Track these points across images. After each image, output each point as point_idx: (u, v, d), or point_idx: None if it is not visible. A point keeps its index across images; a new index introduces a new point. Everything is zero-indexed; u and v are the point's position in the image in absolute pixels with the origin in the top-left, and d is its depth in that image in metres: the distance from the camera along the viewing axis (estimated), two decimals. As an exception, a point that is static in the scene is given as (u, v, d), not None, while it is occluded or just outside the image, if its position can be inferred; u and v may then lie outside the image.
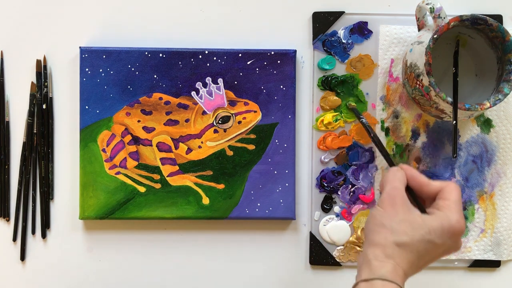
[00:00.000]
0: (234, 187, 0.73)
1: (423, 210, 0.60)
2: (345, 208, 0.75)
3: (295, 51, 0.73)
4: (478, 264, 0.76)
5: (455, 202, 0.58)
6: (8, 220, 0.74)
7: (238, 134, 0.73)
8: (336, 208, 0.75)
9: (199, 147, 0.73)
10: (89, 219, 0.73)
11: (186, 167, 0.73)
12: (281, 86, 0.73)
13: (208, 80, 0.73)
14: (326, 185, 0.75)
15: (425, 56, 0.65)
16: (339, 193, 0.75)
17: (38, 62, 0.74)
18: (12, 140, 0.75)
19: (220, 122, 0.73)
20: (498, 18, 0.75)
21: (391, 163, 0.64)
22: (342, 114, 0.75)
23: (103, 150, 0.73)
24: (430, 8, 0.67)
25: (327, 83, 0.75)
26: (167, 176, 0.73)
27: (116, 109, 0.73)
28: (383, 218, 0.58)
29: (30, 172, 0.74)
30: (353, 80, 0.75)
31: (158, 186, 0.73)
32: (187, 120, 0.73)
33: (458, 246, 0.59)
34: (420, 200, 0.62)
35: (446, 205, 0.58)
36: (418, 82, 0.67)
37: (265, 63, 0.73)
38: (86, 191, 0.72)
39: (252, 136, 0.74)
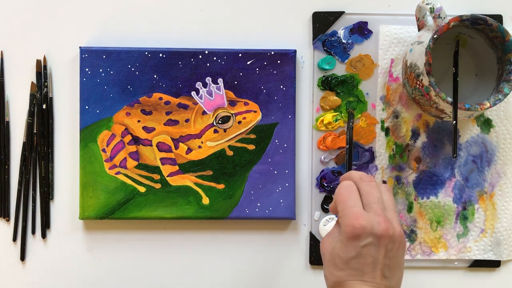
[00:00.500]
0: (234, 187, 0.73)
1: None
2: (345, 208, 0.75)
3: (295, 51, 0.73)
4: (478, 264, 0.76)
5: (339, 207, 0.58)
6: (8, 220, 0.74)
7: (238, 134, 0.73)
8: (336, 208, 0.75)
9: (199, 147, 0.73)
10: (89, 219, 0.73)
11: (186, 167, 0.73)
12: (281, 86, 0.73)
13: (208, 80, 0.73)
14: (326, 185, 0.75)
15: (425, 56, 0.65)
16: (339, 193, 0.75)
17: (38, 62, 0.74)
18: (12, 140, 0.75)
19: (220, 122, 0.73)
20: (498, 18, 0.75)
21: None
22: (342, 114, 0.75)
23: (103, 150, 0.73)
24: (430, 8, 0.67)
25: (327, 83, 0.75)
26: (167, 176, 0.73)
27: (116, 109, 0.73)
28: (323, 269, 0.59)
29: (30, 172, 0.74)
30: (353, 80, 0.75)
31: (158, 186, 0.73)
32: (187, 120, 0.73)
33: (380, 236, 0.56)
34: None
35: (339, 218, 0.58)
36: (418, 82, 0.67)
37: (265, 63, 0.73)
38: (86, 191, 0.72)
39: (252, 136, 0.74)
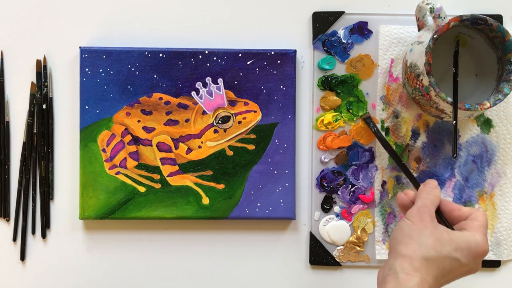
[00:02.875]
0: (234, 187, 0.73)
1: (451, 228, 0.61)
2: (345, 208, 0.75)
3: (295, 51, 0.73)
4: (478, 264, 0.76)
5: (483, 225, 0.59)
6: (8, 220, 0.74)
7: (238, 134, 0.73)
8: (336, 208, 0.75)
9: (199, 147, 0.73)
10: (89, 219, 0.73)
11: (186, 167, 0.73)
12: (281, 86, 0.73)
13: (208, 80, 0.73)
14: (326, 185, 0.75)
15: (425, 56, 0.65)
16: (339, 193, 0.75)
17: (38, 62, 0.74)
18: (12, 140, 0.75)
19: (220, 122, 0.73)
20: (498, 18, 0.75)
21: (415, 184, 0.67)
22: (342, 114, 0.75)
23: (103, 150, 0.73)
24: (430, 8, 0.67)
25: (327, 83, 0.75)
26: (167, 176, 0.73)
27: (116, 109, 0.73)
28: (412, 231, 0.58)
29: (30, 172, 0.74)
30: (353, 80, 0.75)
31: (158, 186, 0.73)
32: (187, 120, 0.73)
33: (478, 267, 0.60)
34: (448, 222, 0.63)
35: (475, 226, 0.59)
36: (418, 82, 0.67)
37: (265, 63, 0.73)
38: (86, 191, 0.72)
39: (252, 136, 0.74)
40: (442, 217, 0.62)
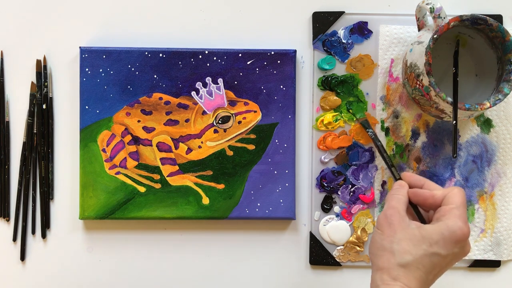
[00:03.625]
0: (234, 187, 0.73)
1: (423, 222, 0.60)
2: (345, 208, 0.75)
3: (295, 51, 0.73)
4: (478, 264, 0.76)
5: (458, 207, 0.58)
6: (8, 220, 0.74)
7: (238, 134, 0.73)
8: (336, 208, 0.75)
9: (199, 147, 0.73)
10: (89, 219, 0.73)
11: (186, 167, 0.73)
12: (281, 86, 0.73)
13: (208, 80, 0.73)
14: (326, 185, 0.75)
15: (425, 56, 0.65)
16: (339, 193, 0.75)
17: (38, 62, 0.74)
18: (12, 140, 0.75)
19: (220, 122, 0.73)
20: (498, 18, 0.75)
21: (394, 177, 0.65)
22: (342, 114, 0.75)
23: (103, 150, 0.73)
24: (430, 8, 0.67)
25: (327, 83, 0.75)
26: (167, 176, 0.73)
27: (116, 109, 0.73)
28: (383, 241, 0.58)
29: (30, 172, 0.74)
30: (353, 80, 0.75)
31: (158, 186, 0.73)
32: (187, 120, 0.73)
33: (465, 251, 0.58)
34: (426, 212, 0.62)
35: (447, 212, 0.58)
36: (418, 82, 0.67)
37: (265, 63, 0.73)
38: (86, 191, 0.72)
39: (252, 136, 0.74)
40: (417, 210, 0.61)
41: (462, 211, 0.58)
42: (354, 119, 0.74)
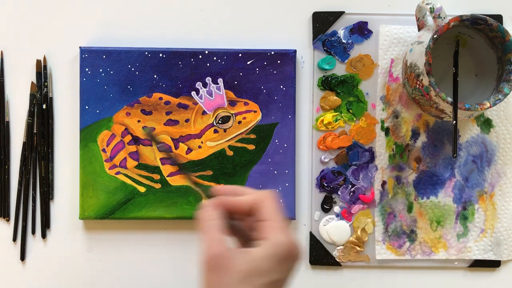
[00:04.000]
0: (234, 187, 0.73)
1: (249, 238, 0.52)
2: (345, 208, 0.75)
3: (295, 51, 0.73)
4: (478, 264, 0.76)
5: (273, 219, 0.49)
6: (8, 220, 0.74)
7: (238, 134, 0.73)
8: (336, 208, 0.75)
9: (199, 147, 0.73)
10: (89, 219, 0.73)
11: (186, 167, 0.73)
12: (281, 86, 0.73)
13: (208, 80, 0.73)
14: (326, 185, 0.75)
15: (425, 56, 0.65)
16: (339, 193, 0.75)
17: (38, 62, 0.74)
18: (12, 140, 0.74)
19: (220, 122, 0.73)
20: (498, 18, 0.75)
21: (204, 196, 0.53)
22: (342, 114, 0.75)
23: (103, 150, 0.73)
24: (430, 8, 0.67)
25: (327, 83, 0.75)
26: (167, 176, 0.73)
27: (116, 109, 0.73)
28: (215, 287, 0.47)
29: (30, 172, 0.74)
30: (353, 80, 0.75)
31: (158, 186, 0.73)
32: (187, 120, 0.73)
33: (299, 258, 0.50)
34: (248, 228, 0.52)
35: (266, 230, 0.49)
36: (418, 82, 0.67)
37: (265, 63, 0.73)
38: (86, 191, 0.72)
39: (252, 136, 0.74)
40: (238, 229, 0.52)
41: (280, 222, 0.49)
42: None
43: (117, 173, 0.73)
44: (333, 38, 0.75)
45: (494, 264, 0.76)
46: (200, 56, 0.73)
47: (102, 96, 0.73)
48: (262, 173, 0.73)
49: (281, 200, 0.73)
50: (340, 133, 0.75)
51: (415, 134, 0.75)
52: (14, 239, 0.74)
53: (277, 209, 0.50)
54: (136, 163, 0.73)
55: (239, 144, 0.74)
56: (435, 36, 0.65)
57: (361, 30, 0.75)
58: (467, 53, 0.73)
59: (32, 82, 0.74)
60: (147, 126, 0.72)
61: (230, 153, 0.74)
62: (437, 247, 0.75)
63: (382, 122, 0.75)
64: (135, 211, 0.73)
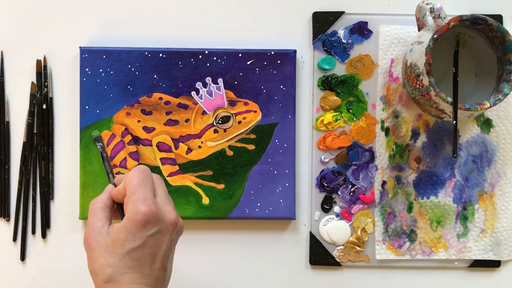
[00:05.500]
0: (234, 187, 0.73)
1: None
2: (345, 208, 0.75)
3: (295, 51, 0.73)
4: (478, 264, 0.76)
5: (133, 192, 0.53)
6: (8, 220, 0.74)
7: (238, 134, 0.73)
8: (336, 208, 0.75)
9: (199, 147, 0.73)
10: (89, 219, 0.73)
11: (186, 167, 0.73)
12: (281, 86, 0.73)
13: (208, 80, 0.73)
14: (326, 185, 0.75)
15: (425, 56, 0.65)
16: (339, 193, 0.75)
17: (38, 62, 0.74)
18: (12, 140, 0.75)
19: (220, 122, 0.73)
20: (498, 18, 0.75)
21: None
22: (342, 114, 0.75)
23: (103, 150, 0.73)
24: (430, 8, 0.67)
25: (327, 83, 0.75)
26: (167, 176, 0.73)
27: (116, 109, 0.73)
28: (89, 266, 0.54)
29: (30, 172, 0.74)
30: (353, 80, 0.75)
31: (158, 186, 0.73)
32: (187, 120, 0.73)
33: (169, 222, 0.54)
34: None
35: (126, 203, 0.53)
36: (418, 82, 0.67)
37: (265, 63, 0.73)
38: (86, 191, 0.72)
39: (252, 136, 0.74)
40: (121, 211, 0.56)
41: (139, 193, 0.53)
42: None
43: (117, 173, 0.73)
44: (333, 38, 0.75)
45: (494, 264, 0.76)
46: (200, 56, 0.73)
47: (102, 96, 0.73)
48: (262, 173, 0.73)
49: (281, 200, 0.73)
50: (340, 133, 0.75)
51: (415, 134, 0.75)
52: (14, 239, 0.74)
53: (138, 181, 0.54)
54: (136, 163, 0.73)
55: (239, 144, 0.74)
56: (435, 36, 0.65)
57: (361, 30, 0.75)
58: (467, 53, 0.73)
59: (32, 82, 0.74)
60: (97, 134, 0.71)
61: (230, 153, 0.74)
62: (437, 247, 0.75)
63: (382, 122, 0.75)
64: (135, 211, 0.73)
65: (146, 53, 0.73)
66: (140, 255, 0.52)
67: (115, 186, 0.58)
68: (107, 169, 0.61)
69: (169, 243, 0.54)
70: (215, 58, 0.73)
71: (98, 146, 0.64)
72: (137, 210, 0.52)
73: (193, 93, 0.73)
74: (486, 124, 0.75)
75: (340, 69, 0.75)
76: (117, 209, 0.57)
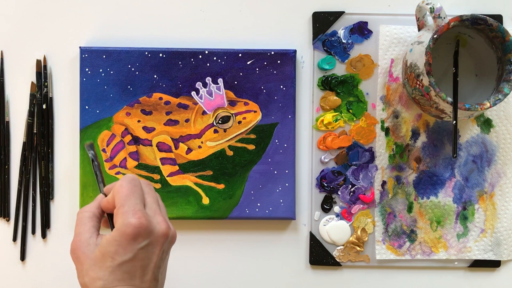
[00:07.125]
0: (234, 187, 0.73)
1: None
2: (345, 208, 0.75)
3: (295, 51, 0.73)
4: (478, 264, 0.76)
5: (122, 204, 0.52)
6: (8, 220, 0.74)
7: (238, 134, 0.73)
8: (336, 208, 0.75)
9: (199, 147, 0.73)
10: (89, 219, 0.73)
11: (186, 167, 0.73)
12: (281, 86, 0.73)
13: (208, 80, 0.73)
14: (326, 185, 0.75)
15: (425, 56, 0.65)
16: (339, 193, 0.75)
17: (38, 62, 0.74)
18: (12, 140, 0.75)
19: (220, 122, 0.73)
20: (498, 18, 0.75)
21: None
22: (342, 114, 0.75)
23: (103, 150, 0.73)
24: (430, 8, 0.67)
25: (327, 83, 0.75)
26: (167, 176, 0.73)
27: (116, 109, 0.73)
28: (78, 279, 0.53)
29: (30, 172, 0.74)
30: (353, 80, 0.75)
31: (158, 186, 0.73)
32: (187, 120, 0.73)
33: (160, 233, 0.53)
34: None
35: (116, 216, 0.52)
36: (418, 82, 0.67)
37: (265, 63, 0.73)
38: (86, 191, 0.72)
39: (252, 136, 0.74)
40: (110, 222, 0.56)
41: (128, 205, 0.52)
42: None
43: (117, 173, 0.73)
44: (333, 38, 0.75)
45: (494, 264, 0.76)
46: (200, 56, 0.73)
47: (102, 96, 0.73)
48: (262, 173, 0.73)
49: (281, 200, 0.73)
50: (340, 133, 0.75)
51: (415, 134, 0.75)
52: (14, 239, 0.74)
53: (127, 192, 0.53)
54: (136, 163, 0.73)
55: (239, 144, 0.74)
56: (435, 36, 0.65)
57: (361, 30, 0.75)
58: (467, 53, 0.73)
59: (32, 82, 0.74)
60: (89, 143, 0.71)
61: (230, 153, 0.74)
62: (437, 247, 0.75)
63: (382, 122, 0.75)
64: (135, 211, 0.73)
65: (146, 53, 0.73)
66: (130, 267, 0.51)
67: (105, 195, 0.56)
68: (98, 178, 0.59)
69: (160, 254, 0.53)
70: (215, 58, 0.73)
71: (90, 154, 0.62)
72: (127, 223, 0.51)
73: (193, 93, 0.73)
74: (486, 124, 0.75)
75: (340, 69, 0.75)
76: (107, 219, 0.56)
